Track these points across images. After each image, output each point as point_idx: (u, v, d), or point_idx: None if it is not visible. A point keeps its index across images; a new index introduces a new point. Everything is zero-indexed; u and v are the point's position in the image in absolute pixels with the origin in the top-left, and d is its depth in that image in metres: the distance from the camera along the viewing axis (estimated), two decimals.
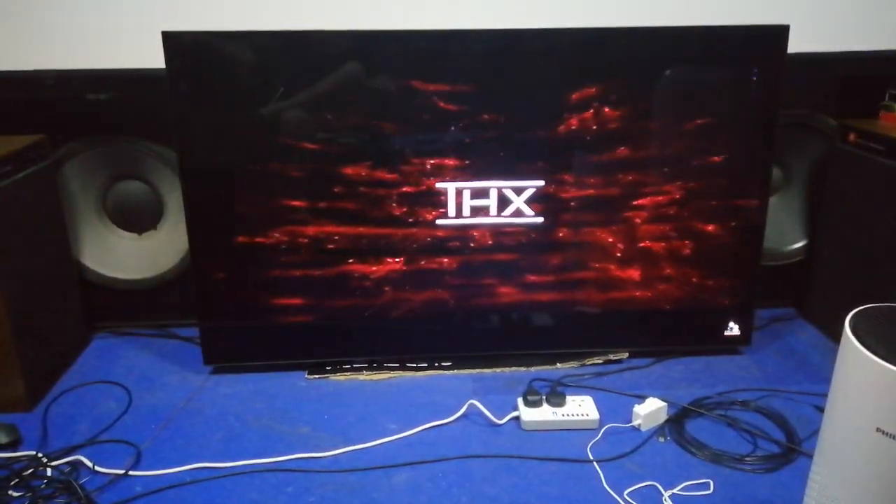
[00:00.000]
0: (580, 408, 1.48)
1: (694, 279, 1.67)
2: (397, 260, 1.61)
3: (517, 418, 1.48)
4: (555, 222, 1.62)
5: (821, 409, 1.09)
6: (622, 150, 1.57)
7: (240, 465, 1.35)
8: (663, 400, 1.47)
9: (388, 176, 1.55)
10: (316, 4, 1.73)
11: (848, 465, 1.01)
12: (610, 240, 1.63)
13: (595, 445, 1.40)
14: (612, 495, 1.27)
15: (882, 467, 0.96)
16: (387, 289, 1.63)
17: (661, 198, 1.61)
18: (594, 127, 1.55)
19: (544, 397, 1.49)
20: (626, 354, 1.72)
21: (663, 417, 1.47)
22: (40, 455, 1.35)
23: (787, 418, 1.47)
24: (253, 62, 1.48)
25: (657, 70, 1.54)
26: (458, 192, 1.58)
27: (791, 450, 1.38)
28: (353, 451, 1.39)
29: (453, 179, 1.57)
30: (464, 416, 1.49)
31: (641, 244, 1.64)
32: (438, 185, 1.58)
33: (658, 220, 1.62)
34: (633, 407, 1.46)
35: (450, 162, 1.57)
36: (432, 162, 1.56)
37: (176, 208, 1.75)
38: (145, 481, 1.31)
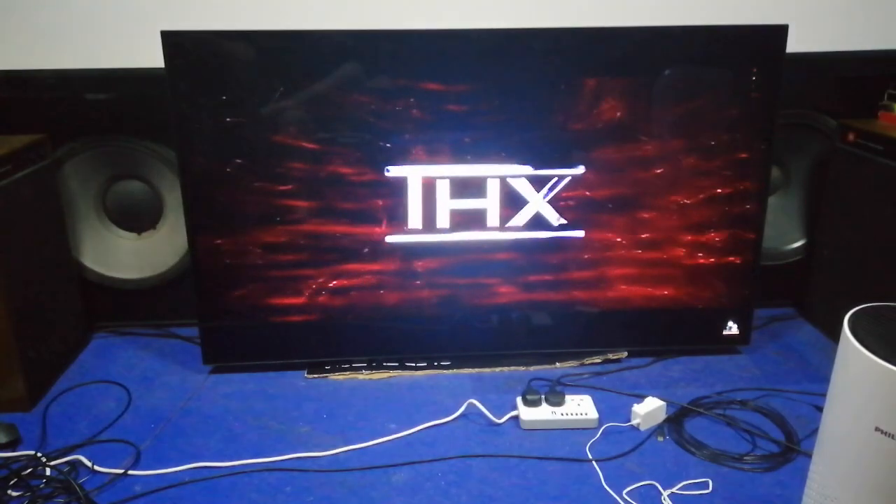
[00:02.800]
0: (579, 407, 1.48)
1: (693, 278, 1.67)
2: (396, 260, 1.61)
3: (516, 418, 1.48)
4: (594, 231, 1.62)
5: (820, 409, 1.09)
6: (620, 151, 1.57)
7: (239, 465, 1.35)
8: (662, 399, 1.47)
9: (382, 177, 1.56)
10: (316, 4, 1.73)
11: (847, 465, 1.01)
12: (615, 240, 1.63)
13: (594, 445, 1.40)
14: (611, 494, 1.27)
15: (881, 466, 0.96)
16: (386, 288, 1.63)
17: (660, 198, 1.61)
18: (593, 127, 1.55)
19: (543, 397, 1.49)
20: (626, 354, 1.72)
21: (662, 417, 1.47)
22: (39, 455, 1.35)
23: (785, 418, 1.47)
24: (253, 62, 1.48)
25: (657, 70, 1.54)
26: (428, 188, 1.57)
27: (790, 449, 1.38)
28: (352, 450, 1.39)
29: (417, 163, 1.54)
30: (463, 415, 1.49)
31: (641, 243, 1.64)
32: (392, 173, 1.54)
33: (657, 220, 1.62)
34: (632, 406, 1.46)
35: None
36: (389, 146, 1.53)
37: (175, 208, 1.75)
38: (144, 481, 1.31)
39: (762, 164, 1.60)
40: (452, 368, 1.68)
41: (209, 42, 1.46)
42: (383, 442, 1.42)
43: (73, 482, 1.27)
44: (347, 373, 1.67)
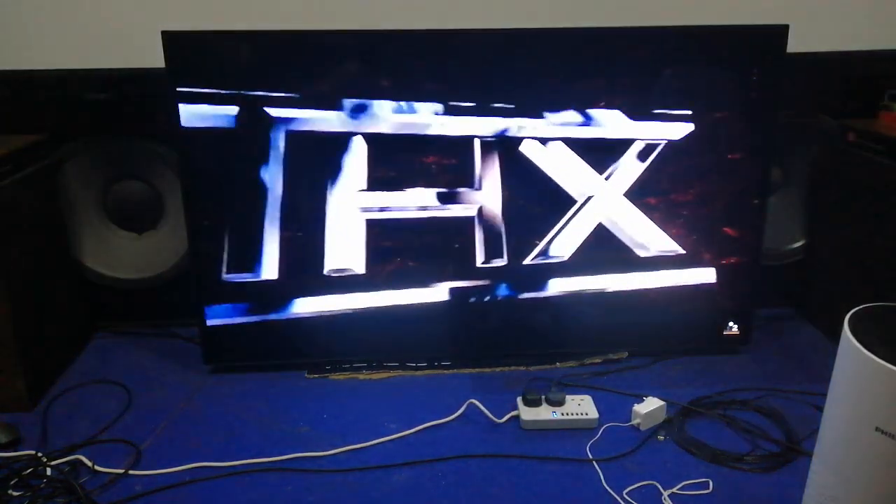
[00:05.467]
0: (579, 407, 1.48)
1: (694, 278, 1.67)
2: (397, 259, 1.61)
3: (516, 418, 1.48)
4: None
5: (820, 409, 1.09)
6: (621, 150, 1.57)
7: (239, 465, 1.35)
8: (662, 399, 1.47)
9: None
10: (315, 4, 1.73)
11: (847, 465, 1.01)
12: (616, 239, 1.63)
13: (594, 445, 1.40)
14: (611, 494, 1.27)
15: (881, 466, 0.97)
16: (386, 287, 1.62)
17: (660, 197, 1.61)
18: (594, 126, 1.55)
19: (544, 397, 1.49)
20: (626, 354, 1.72)
21: (662, 417, 1.47)
22: (40, 455, 1.35)
23: (786, 418, 1.47)
24: (253, 62, 1.48)
25: (657, 70, 1.54)
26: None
27: (790, 449, 1.38)
28: (352, 450, 1.39)
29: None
30: (463, 415, 1.49)
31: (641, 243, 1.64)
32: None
33: (657, 220, 1.62)
34: (632, 406, 1.46)
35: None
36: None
37: (176, 208, 1.75)
38: (145, 481, 1.31)
39: (762, 164, 1.60)
40: (452, 368, 1.68)
41: (209, 42, 1.46)
42: (383, 442, 1.42)
43: (74, 482, 1.27)
44: (347, 373, 1.66)
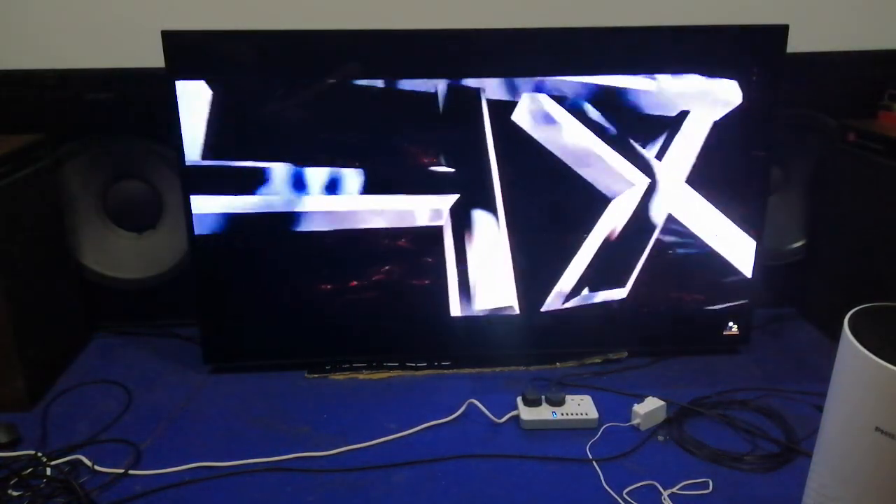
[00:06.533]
0: (579, 407, 1.48)
1: (693, 278, 1.67)
2: (396, 260, 1.61)
3: (516, 418, 1.48)
4: None
5: (820, 409, 1.09)
6: (621, 148, 1.57)
7: (239, 465, 1.35)
8: (662, 399, 1.47)
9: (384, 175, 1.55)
10: (315, 4, 1.73)
11: (847, 465, 1.01)
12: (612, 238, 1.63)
13: (594, 445, 1.40)
14: (611, 495, 1.27)
15: (881, 466, 0.96)
16: (387, 288, 1.62)
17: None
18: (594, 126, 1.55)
19: (543, 397, 1.49)
20: (626, 354, 1.72)
21: (662, 417, 1.47)
22: (40, 454, 1.35)
23: (786, 417, 1.47)
24: (253, 62, 1.48)
25: (656, 69, 1.54)
26: None
27: (790, 449, 1.38)
28: (352, 450, 1.39)
29: None
30: (463, 415, 1.49)
31: (640, 243, 1.64)
32: None
33: (657, 219, 1.62)
34: (632, 406, 1.46)
35: None
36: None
37: (176, 208, 1.75)
38: (145, 481, 1.31)
39: (762, 164, 1.60)
40: (452, 368, 1.68)
41: (209, 42, 1.46)
42: (383, 442, 1.42)
43: (74, 482, 1.27)
44: (347, 373, 1.66)
